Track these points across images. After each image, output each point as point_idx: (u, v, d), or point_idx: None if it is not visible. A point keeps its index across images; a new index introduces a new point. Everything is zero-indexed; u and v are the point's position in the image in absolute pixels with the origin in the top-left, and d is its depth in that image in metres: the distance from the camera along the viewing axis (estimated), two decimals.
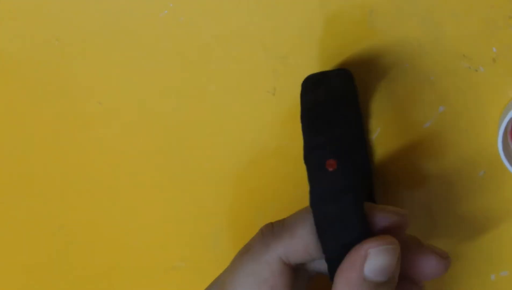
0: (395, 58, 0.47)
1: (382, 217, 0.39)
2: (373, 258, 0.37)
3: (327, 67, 0.47)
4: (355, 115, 0.41)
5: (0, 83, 0.51)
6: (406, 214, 0.40)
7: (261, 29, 0.47)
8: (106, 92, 0.50)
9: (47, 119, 0.51)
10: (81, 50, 0.49)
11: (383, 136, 0.48)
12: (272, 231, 0.40)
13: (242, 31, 0.47)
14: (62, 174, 0.52)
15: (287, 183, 0.50)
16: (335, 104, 0.40)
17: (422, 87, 0.47)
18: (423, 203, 0.49)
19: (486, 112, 0.47)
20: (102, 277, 0.54)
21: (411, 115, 0.48)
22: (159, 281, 0.53)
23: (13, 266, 0.55)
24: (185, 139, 0.50)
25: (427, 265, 0.40)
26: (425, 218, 0.49)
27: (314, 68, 0.47)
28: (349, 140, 0.39)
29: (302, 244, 0.39)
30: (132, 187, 0.51)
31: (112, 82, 0.50)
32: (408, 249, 0.40)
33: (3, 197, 0.53)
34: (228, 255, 0.52)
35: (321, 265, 0.41)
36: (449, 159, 0.49)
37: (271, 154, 0.49)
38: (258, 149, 0.50)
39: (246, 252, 0.40)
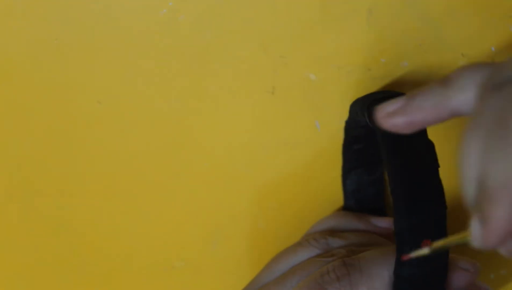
0: (395, 57, 0.47)
1: (459, 276, 0.40)
2: None
3: (326, 66, 0.47)
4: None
5: None
6: (479, 269, 0.41)
7: (260, 28, 0.47)
8: (106, 91, 0.50)
9: (46, 118, 0.51)
10: (80, 49, 0.49)
11: None
12: (349, 279, 0.40)
13: (241, 31, 0.47)
14: (61, 173, 0.52)
15: (288, 182, 0.50)
16: (431, 174, 0.39)
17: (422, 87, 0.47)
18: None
19: None
20: (101, 276, 0.54)
21: None
22: (159, 281, 0.53)
23: (11, 265, 0.55)
24: (184, 139, 0.50)
25: None
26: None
27: (313, 68, 0.47)
28: (444, 214, 0.39)
29: None
30: (132, 187, 0.51)
31: (111, 82, 0.50)
32: None
33: (2, 197, 0.53)
34: (228, 255, 0.52)
35: None
36: (448, 159, 0.49)
37: (270, 153, 0.50)
38: (257, 148, 0.50)
39: None
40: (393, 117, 0.35)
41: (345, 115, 0.48)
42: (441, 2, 0.45)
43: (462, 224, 0.47)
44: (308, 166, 0.49)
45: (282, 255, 0.44)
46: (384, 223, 0.46)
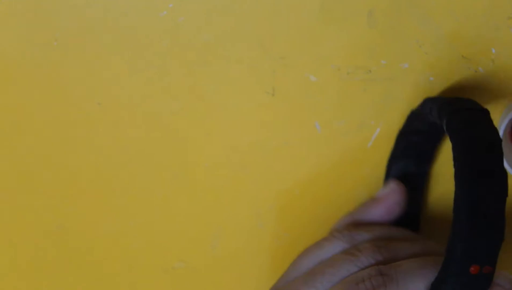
0: (395, 58, 0.47)
1: None
2: None
3: (326, 68, 0.47)
4: None
5: None
6: None
7: (260, 29, 0.47)
8: (105, 92, 0.50)
9: (46, 120, 0.51)
10: (80, 50, 0.49)
11: (383, 137, 0.48)
12: (386, 288, 0.39)
13: (241, 32, 0.47)
14: (61, 174, 0.52)
15: (287, 183, 0.50)
16: (498, 201, 0.38)
17: (422, 88, 0.47)
18: (423, 203, 0.49)
19: None
20: (101, 277, 0.54)
21: None
22: (159, 281, 0.53)
23: (10, 265, 0.55)
24: (184, 139, 0.50)
25: None
26: (424, 218, 0.49)
27: (313, 69, 0.47)
28: (499, 246, 0.38)
29: None
30: (132, 187, 0.51)
31: (111, 83, 0.50)
32: None
33: (2, 197, 0.53)
34: (227, 256, 0.52)
35: None
36: (448, 159, 0.49)
37: (270, 154, 0.50)
38: (257, 149, 0.50)
39: None
40: None
41: (345, 116, 0.48)
42: (441, 3, 0.45)
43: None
44: (308, 167, 0.49)
45: (309, 251, 0.44)
46: (385, 190, 0.47)
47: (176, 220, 0.52)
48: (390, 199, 0.47)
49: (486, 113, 0.41)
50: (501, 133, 0.44)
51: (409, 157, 0.48)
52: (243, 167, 0.50)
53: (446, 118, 0.41)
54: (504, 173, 0.39)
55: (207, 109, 0.49)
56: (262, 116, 0.49)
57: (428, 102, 0.45)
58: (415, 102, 0.47)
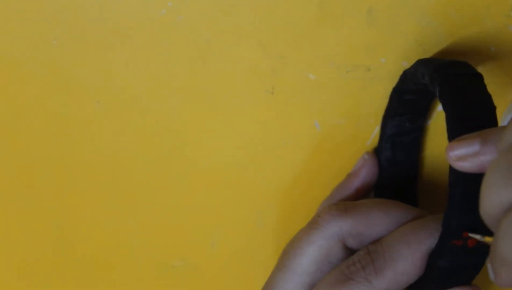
0: (394, 57, 0.47)
1: None
2: None
3: (326, 66, 0.47)
4: None
5: None
6: None
7: (259, 28, 0.47)
8: (105, 91, 0.50)
9: (45, 118, 0.51)
10: (79, 49, 0.49)
11: None
12: (374, 266, 0.40)
13: (240, 30, 0.47)
14: (61, 173, 0.52)
15: (287, 182, 0.50)
16: None
17: None
18: (423, 203, 0.49)
19: None
20: (101, 276, 0.54)
21: None
22: (159, 280, 0.53)
23: (9, 264, 0.55)
24: (183, 139, 0.50)
25: None
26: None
27: (313, 67, 0.47)
28: None
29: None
30: (131, 186, 0.51)
31: (110, 81, 0.50)
32: None
33: (1, 196, 0.53)
34: (228, 255, 0.52)
35: None
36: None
37: (270, 153, 0.50)
38: (257, 148, 0.50)
39: None
40: (464, 161, 0.36)
41: (344, 114, 0.48)
42: (441, 2, 0.45)
43: None
44: (308, 166, 0.49)
45: (298, 247, 0.43)
46: (358, 164, 0.48)
47: (176, 219, 0.52)
48: (363, 171, 0.47)
49: (479, 78, 0.41)
50: None
51: (404, 114, 0.47)
52: (242, 166, 0.50)
53: (438, 87, 0.40)
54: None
55: (207, 108, 0.49)
56: (261, 114, 0.49)
57: (420, 67, 0.44)
58: None
